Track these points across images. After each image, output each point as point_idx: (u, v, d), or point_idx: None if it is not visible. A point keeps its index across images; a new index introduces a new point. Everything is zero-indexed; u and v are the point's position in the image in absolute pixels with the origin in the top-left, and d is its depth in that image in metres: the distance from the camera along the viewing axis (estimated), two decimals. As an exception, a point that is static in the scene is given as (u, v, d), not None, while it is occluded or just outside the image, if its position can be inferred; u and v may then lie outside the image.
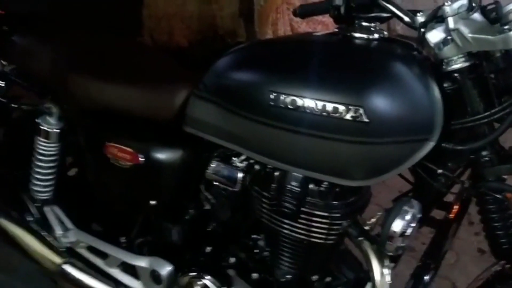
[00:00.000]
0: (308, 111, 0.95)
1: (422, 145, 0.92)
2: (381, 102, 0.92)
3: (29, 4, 1.51)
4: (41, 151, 1.41)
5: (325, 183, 1.05)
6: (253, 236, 1.25)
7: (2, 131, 1.58)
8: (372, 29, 1.04)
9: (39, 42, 1.42)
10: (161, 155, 1.24)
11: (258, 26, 2.28)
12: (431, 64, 0.96)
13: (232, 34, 3.21)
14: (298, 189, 1.04)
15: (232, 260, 1.28)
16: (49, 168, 1.43)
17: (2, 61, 1.44)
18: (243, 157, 1.14)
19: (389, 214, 0.99)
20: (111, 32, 1.61)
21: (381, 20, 1.06)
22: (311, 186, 1.06)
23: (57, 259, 1.45)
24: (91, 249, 1.42)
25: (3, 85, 1.47)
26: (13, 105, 1.46)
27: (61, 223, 1.45)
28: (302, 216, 1.07)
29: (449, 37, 0.91)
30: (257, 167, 1.14)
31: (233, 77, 1.09)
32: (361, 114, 0.91)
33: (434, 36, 0.94)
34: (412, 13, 1.00)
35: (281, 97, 0.97)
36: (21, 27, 1.46)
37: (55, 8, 1.57)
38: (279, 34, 2.39)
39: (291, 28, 2.35)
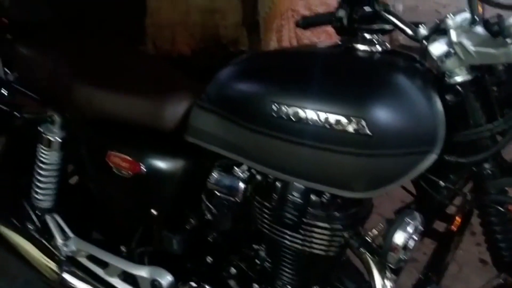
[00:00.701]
0: (310, 122, 0.95)
1: (424, 157, 0.92)
2: (383, 115, 0.92)
3: (32, 13, 1.52)
4: (43, 159, 1.41)
5: (326, 194, 1.05)
6: (254, 246, 1.25)
7: (4, 139, 1.59)
8: (374, 41, 1.04)
9: (42, 50, 1.42)
10: (163, 165, 1.24)
11: (262, 33, 2.28)
12: (433, 77, 0.97)
13: (235, 43, 3.22)
14: (300, 200, 1.04)
15: (233, 270, 1.28)
16: (51, 176, 1.43)
17: (6, 70, 1.45)
18: (244, 167, 1.14)
19: (391, 226, 0.99)
20: (114, 40, 1.61)
21: (384, 32, 1.06)
22: (312, 197, 1.06)
23: (57, 268, 1.45)
24: (91, 258, 1.42)
25: (6, 93, 1.47)
26: (16, 113, 1.46)
27: (62, 231, 1.45)
28: (303, 227, 1.07)
29: (451, 50, 0.91)
30: (258, 177, 1.14)
31: (235, 87, 1.10)
32: (363, 126, 0.91)
33: (437, 48, 0.94)
34: (415, 25, 1.00)
35: (283, 108, 0.97)
36: (24, 36, 1.47)
37: (58, 17, 1.57)
38: (283, 41, 2.39)
39: (296, 35, 2.35)
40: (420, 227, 0.99)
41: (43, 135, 1.38)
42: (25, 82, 1.46)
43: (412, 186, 1.08)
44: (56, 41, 1.49)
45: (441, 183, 1.01)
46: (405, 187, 1.07)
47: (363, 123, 0.91)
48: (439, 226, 1.17)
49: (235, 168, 1.16)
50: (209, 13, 3.16)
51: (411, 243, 0.98)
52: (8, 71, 1.48)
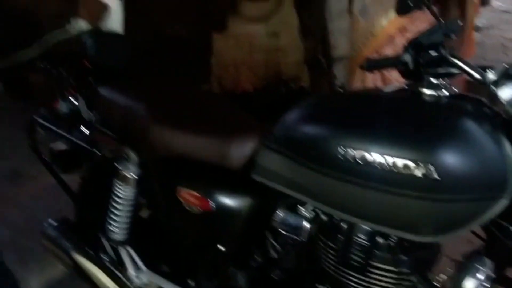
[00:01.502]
0: (377, 166, 0.96)
1: (494, 202, 0.91)
2: (451, 160, 0.92)
3: (113, 58, 1.65)
4: (118, 194, 1.49)
5: (394, 237, 1.05)
6: (318, 286, 1.25)
7: (84, 175, 1.70)
8: (441, 85, 1.05)
9: (120, 92, 1.53)
10: (230, 202, 1.29)
11: (348, 74, 2.31)
12: (502, 121, 0.96)
13: (296, 80, 3.28)
14: (366, 242, 1.04)
15: (297, 309, 1.28)
16: (125, 210, 1.51)
17: (89, 111, 1.57)
18: (309, 207, 1.17)
19: (461, 272, 0.97)
20: (182, 79, 1.71)
21: (450, 75, 1.07)
22: (379, 239, 1.06)
23: (129, 298, 1.52)
24: (161, 290, 1.48)
25: (87, 132, 1.59)
26: (95, 150, 1.56)
27: (134, 263, 1.52)
28: (369, 269, 1.07)
29: (521, 95, 0.91)
30: (323, 217, 1.16)
31: (302, 130, 1.13)
32: (431, 171, 0.91)
33: (506, 93, 0.94)
34: (482, 69, 1.01)
35: (350, 152, 0.99)
36: (105, 79, 1.59)
37: (135, 61, 1.69)
38: (367, 82, 2.40)
39: (381, 77, 2.36)
40: (491, 274, 0.97)
41: (120, 171, 1.47)
42: (104, 122, 1.57)
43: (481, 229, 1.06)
44: (132, 83, 1.61)
45: (512, 229, 0.98)
46: (474, 231, 1.05)
47: (431, 167, 0.91)
48: (512, 273, 1.12)
49: (300, 207, 1.18)
50: (271, 52, 3.25)
51: (482, 291, 0.95)
52: (89, 112, 1.60)
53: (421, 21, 2.22)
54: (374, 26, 2.28)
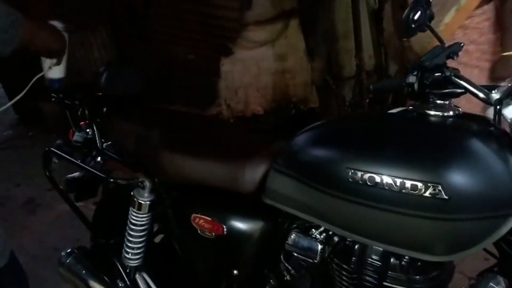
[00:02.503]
0: (386, 187, 0.98)
1: (504, 220, 0.92)
2: (459, 179, 0.93)
3: (124, 89, 1.68)
4: (134, 221, 1.51)
5: (406, 257, 1.06)
6: (333, 307, 1.26)
7: (99, 202, 1.73)
8: (446, 106, 1.07)
9: (132, 121, 1.56)
10: (243, 226, 1.31)
11: None
12: (509, 139, 0.97)
13: (305, 101, 3.32)
14: (379, 263, 1.05)
15: (312, 331, 1.28)
16: (140, 237, 1.53)
17: (103, 140, 1.60)
18: (322, 229, 1.18)
19: (475, 290, 0.97)
20: (192, 104, 1.73)
21: (455, 96, 1.09)
22: (392, 260, 1.07)
23: (145, 325, 1.53)
24: (177, 316, 1.48)
25: (101, 160, 1.62)
26: (109, 179, 1.59)
27: (150, 289, 1.53)
28: (383, 290, 1.08)
29: (525, 114, 0.92)
30: (336, 239, 1.17)
31: (311, 153, 1.15)
32: (440, 191, 0.92)
33: (511, 112, 0.96)
34: (487, 89, 1.02)
35: (359, 174, 1.01)
36: (117, 108, 1.63)
37: (146, 89, 1.73)
38: None
39: None
40: (505, 292, 0.97)
41: (135, 199, 1.49)
42: (118, 150, 1.60)
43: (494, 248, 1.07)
44: (144, 112, 1.64)
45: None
46: (487, 249, 1.05)
47: (440, 188, 0.92)
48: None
49: (313, 229, 1.19)
50: (279, 74, 3.30)
51: (497, 309, 0.96)
52: (104, 141, 1.63)
53: (480, 18, 2.23)
54: (437, 24, 2.30)
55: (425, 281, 1.06)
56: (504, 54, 2.18)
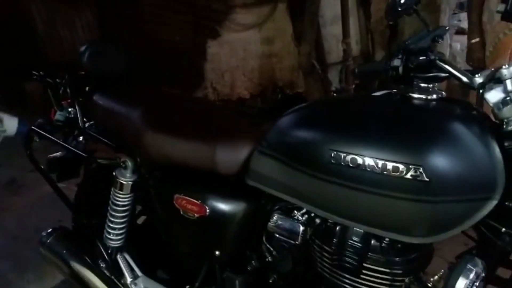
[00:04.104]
0: (368, 169, 0.98)
1: (484, 203, 0.93)
2: (441, 162, 0.94)
3: (107, 67, 1.65)
4: (115, 201, 1.50)
5: (386, 239, 1.07)
6: (313, 289, 1.27)
7: (81, 182, 1.71)
8: (430, 89, 1.07)
9: (115, 101, 1.55)
10: (226, 207, 1.30)
11: (491, 59, 2.24)
12: (491, 124, 0.98)
13: (291, 85, 3.32)
14: (360, 245, 1.06)
15: (293, 312, 1.29)
16: (122, 217, 1.52)
17: (85, 119, 1.58)
18: (304, 211, 1.18)
19: (453, 272, 0.99)
20: (177, 86, 1.72)
21: (439, 80, 1.09)
22: (372, 241, 1.07)
23: (126, 305, 1.52)
24: (158, 296, 1.48)
25: (83, 140, 1.60)
26: (91, 159, 1.57)
27: (131, 270, 1.53)
28: (364, 271, 1.08)
29: (507, 98, 0.93)
30: (318, 221, 1.17)
31: (295, 135, 1.15)
32: (421, 173, 0.93)
33: (493, 96, 0.97)
34: (470, 73, 1.03)
35: (341, 156, 1.01)
36: (100, 88, 1.61)
37: (130, 69, 1.70)
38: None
39: None
40: (483, 274, 0.98)
41: (117, 179, 1.48)
42: (101, 130, 1.58)
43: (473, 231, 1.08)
44: (128, 92, 1.62)
45: (503, 229, 1.00)
46: (466, 232, 1.06)
47: (421, 170, 0.93)
48: (504, 273, 1.14)
49: (295, 211, 1.20)
50: (266, 58, 3.29)
51: (473, 290, 0.97)
52: (86, 120, 1.61)
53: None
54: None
55: (405, 263, 1.07)
56: (473, 41, 2.17)
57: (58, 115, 1.61)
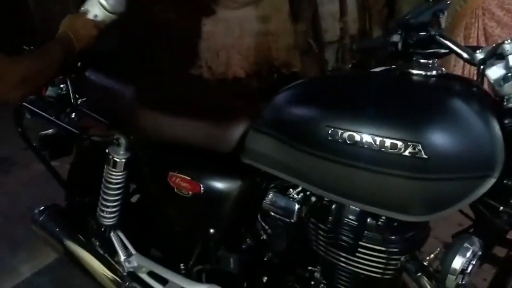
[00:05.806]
0: (366, 146, 0.96)
1: (482, 181, 0.92)
2: (439, 139, 0.92)
3: (101, 43, 1.62)
4: (109, 179, 1.48)
5: (383, 217, 1.06)
6: (309, 267, 1.26)
7: (74, 160, 1.69)
8: (430, 65, 1.05)
9: (109, 77, 1.52)
10: (221, 185, 1.29)
11: (450, 29, 2.25)
12: (491, 101, 0.96)
13: (288, 65, 3.28)
14: (355, 223, 1.05)
15: (288, 291, 1.29)
16: (116, 195, 1.50)
17: (76, 95, 1.55)
18: (299, 189, 1.17)
19: (449, 251, 0.98)
20: (172, 64, 1.69)
21: (439, 56, 1.07)
22: (368, 220, 1.06)
23: (119, 283, 1.52)
24: (152, 274, 1.48)
25: (75, 117, 1.57)
26: (84, 136, 1.55)
27: (125, 248, 1.52)
28: (359, 250, 1.08)
29: (509, 74, 0.91)
30: (313, 199, 1.16)
31: (291, 112, 1.13)
32: (419, 150, 0.91)
33: (494, 72, 0.94)
34: (471, 49, 1.01)
35: (339, 132, 0.99)
36: (93, 64, 1.57)
37: (124, 45, 1.67)
38: (470, 38, 2.35)
39: (484, 33, 2.32)
40: (479, 252, 0.97)
41: (110, 156, 1.46)
42: (93, 107, 1.55)
43: (470, 210, 1.07)
44: (122, 69, 1.59)
45: (501, 207, 0.99)
46: (462, 211, 1.06)
47: (420, 147, 0.91)
48: (500, 251, 1.14)
49: (290, 189, 1.19)
50: (262, 36, 3.24)
51: (470, 268, 0.96)
52: (78, 97, 1.58)
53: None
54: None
55: (401, 241, 1.06)
56: None
57: (50, 91, 1.57)
